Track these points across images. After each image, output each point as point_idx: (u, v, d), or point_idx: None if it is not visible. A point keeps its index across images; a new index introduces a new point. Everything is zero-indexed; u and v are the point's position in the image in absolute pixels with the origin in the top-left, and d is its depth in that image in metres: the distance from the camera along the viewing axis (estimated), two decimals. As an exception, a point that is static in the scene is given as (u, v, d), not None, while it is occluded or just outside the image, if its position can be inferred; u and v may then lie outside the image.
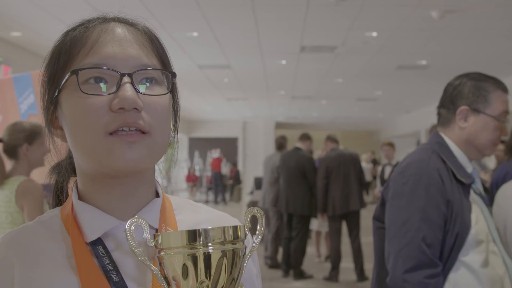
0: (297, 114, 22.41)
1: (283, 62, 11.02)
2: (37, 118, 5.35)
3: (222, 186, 21.42)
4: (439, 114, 2.20)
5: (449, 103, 2.13)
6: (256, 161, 23.60)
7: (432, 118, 16.60)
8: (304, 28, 8.18)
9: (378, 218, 2.16)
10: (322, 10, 7.26)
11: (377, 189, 7.76)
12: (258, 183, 13.68)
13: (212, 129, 24.51)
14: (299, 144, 7.88)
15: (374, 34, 8.53)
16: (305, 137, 7.92)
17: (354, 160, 7.57)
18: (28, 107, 5.42)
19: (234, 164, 23.33)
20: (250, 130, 24.52)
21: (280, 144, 8.51)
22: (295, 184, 7.59)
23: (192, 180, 22.47)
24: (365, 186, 8.00)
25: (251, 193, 13.06)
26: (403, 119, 23.12)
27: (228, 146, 24.71)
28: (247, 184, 22.08)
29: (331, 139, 7.85)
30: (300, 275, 7.72)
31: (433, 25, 7.90)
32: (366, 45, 9.34)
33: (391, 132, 26.14)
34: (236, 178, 22.03)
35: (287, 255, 7.83)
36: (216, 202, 20.71)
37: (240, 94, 16.06)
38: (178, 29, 8.26)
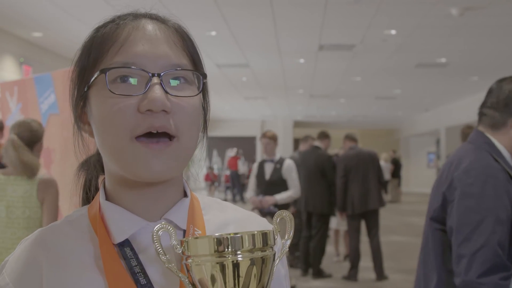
0: (315, 113, 22.37)
1: (302, 61, 11.00)
2: (58, 118, 5.40)
3: (240, 185, 21.44)
4: (485, 114, 2.16)
5: (503, 106, 2.10)
6: (274, 160, 23.58)
7: (451, 116, 16.27)
8: (323, 27, 8.16)
9: (437, 219, 2.11)
10: (340, 9, 7.23)
11: (249, 193, 6.39)
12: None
13: (230, 128, 24.58)
14: (318, 143, 7.88)
15: (393, 32, 8.48)
16: (324, 136, 7.91)
17: (372, 159, 7.56)
18: (48, 107, 5.47)
19: (253, 163, 23.33)
20: (269, 129, 24.50)
21: (303, 140, 8.54)
22: (314, 183, 7.56)
23: (210, 179, 22.54)
24: (383, 185, 7.82)
25: (270, 191, 13.05)
26: (422, 117, 22.96)
27: (247, 145, 24.74)
28: (266, 183, 22.04)
29: (349, 137, 7.80)
30: (319, 274, 7.70)
31: (452, 23, 7.83)
32: (385, 43, 9.29)
33: (410, 130, 25.99)
34: (255, 177, 22.02)
35: (307, 254, 7.83)
36: (234, 200, 20.73)
37: (259, 93, 16.06)
38: (196, 28, 8.28)
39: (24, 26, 8.14)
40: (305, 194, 7.57)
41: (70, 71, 0.94)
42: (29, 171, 3.30)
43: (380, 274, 7.56)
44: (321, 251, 7.73)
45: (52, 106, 5.44)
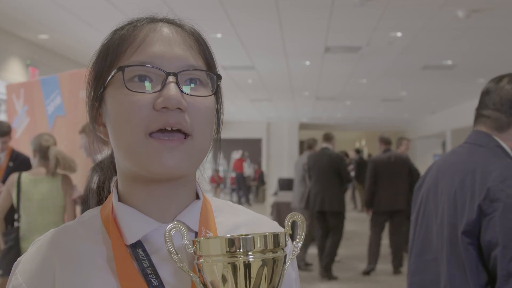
0: (321, 115, 22.34)
1: (307, 63, 10.99)
2: (64, 119, 5.41)
3: (245, 187, 21.43)
4: (487, 116, 2.09)
5: (509, 107, 2.03)
6: (280, 162, 23.58)
7: (457, 119, 16.17)
8: (329, 29, 8.15)
9: (471, 233, 1.95)
10: (346, 11, 7.23)
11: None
12: (282, 184, 13.66)
13: (236, 130, 24.56)
14: (326, 144, 7.98)
15: (399, 34, 8.46)
16: (331, 137, 8.04)
17: (404, 163, 7.90)
18: (55, 108, 5.48)
19: (259, 165, 23.33)
20: (274, 131, 24.51)
21: (310, 145, 8.62)
22: (329, 182, 7.70)
23: (216, 181, 22.54)
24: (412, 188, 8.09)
25: (275, 194, 13.06)
26: (429, 119, 22.91)
27: (252, 147, 24.72)
28: (271, 185, 22.06)
29: (383, 140, 8.18)
30: (330, 273, 7.78)
31: (459, 25, 7.81)
32: (391, 45, 9.28)
33: (416, 132, 25.93)
34: (261, 179, 22.03)
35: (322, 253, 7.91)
36: (240, 203, 20.72)
37: (264, 95, 16.06)
38: (202, 30, 8.26)
39: (30, 28, 8.17)
40: (321, 194, 7.69)
41: (86, 73, 0.95)
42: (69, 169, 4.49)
43: (397, 268, 7.88)
44: (336, 251, 7.86)
45: (58, 108, 5.46)
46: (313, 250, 8.79)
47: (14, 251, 4.35)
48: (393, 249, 7.99)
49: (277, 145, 24.26)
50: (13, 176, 4.45)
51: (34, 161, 4.54)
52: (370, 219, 8.06)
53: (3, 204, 4.45)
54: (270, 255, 0.78)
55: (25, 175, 4.43)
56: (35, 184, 4.39)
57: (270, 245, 0.78)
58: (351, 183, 8.47)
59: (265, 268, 0.78)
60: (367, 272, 7.97)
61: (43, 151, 4.43)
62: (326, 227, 7.82)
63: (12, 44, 8.39)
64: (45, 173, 4.43)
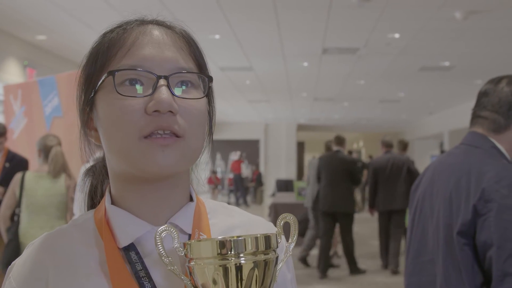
0: (319, 116, 22.35)
1: (305, 64, 11.00)
2: (61, 121, 5.40)
3: (243, 188, 21.43)
4: (484, 117, 2.08)
5: (507, 110, 2.03)
6: (278, 163, 23.57)
7: (455, 120, 16.16)
8: (326, 30, 8.16)
9: (467, 234, 1.95)
10: (344, 12, 7.23)
11: None
12: (280, 185, 13.67)
13: (234, 131, 24.56)
14: (338, 147, 8.11)
15: (397, 35, 8.47)
16: (342, 140, 8.21)
17: (403, 164, 8.09)
18: (52, 110, 5.47)
19: (256, 166, 23.33)
20: (272, 132, 24.50)
21: (328, 148, 8.71)
22: (339, 184, 7.81)
23: (213, 182, 22.54)
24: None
25: (273, 195, 13.07)
26: (426, 120, 22.93)
27: (250, 148, 24.71)
28: (269, 186, 22.05)
29: (384, 143, 8.50)
30: (356, 266, 8.03)
31: (456, 26, 7.82)
32: (389, 47, 9.28)
33: (414, 134, 25.96)
34: (258, 180, 22.03)
35: (327, 253, 7.96)
36: (237, 204, 20.71)
37: (262, 96, 16.06)
38: (200, 31, 8.28)
39: (28, 29, 8.16)
40: (331, 196, 7.82)
41: (77, 77, 0.94)
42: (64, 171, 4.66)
43: (394, 270, 7.99)
44: (352, 250, 8.05)
45: (55, 109, 5.45)
46: (313, 251, 8.80)
47: (12, 245, 4.50)
48: (391, 250, 8.12)
49: (275, 146, 24.25)
50: (18, 175, 4.63)
51: (39, 160, 4.71)
52: (378, 221, 8.44)
53: (8, 202, 4.62)
54: (261, 257, 0.78)
55: (29, 173, 4.64)
56: (39, 180, 4.57)
57: (262, 247, 0.78)
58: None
59: (256, 270, 0.77)
60: (385, 266, 8.35)
61: (47, 151, 4.61)
62: (331, 227, 7.92)
63: (9, 45, 8.38)
64: (48, 171, 4.60)
